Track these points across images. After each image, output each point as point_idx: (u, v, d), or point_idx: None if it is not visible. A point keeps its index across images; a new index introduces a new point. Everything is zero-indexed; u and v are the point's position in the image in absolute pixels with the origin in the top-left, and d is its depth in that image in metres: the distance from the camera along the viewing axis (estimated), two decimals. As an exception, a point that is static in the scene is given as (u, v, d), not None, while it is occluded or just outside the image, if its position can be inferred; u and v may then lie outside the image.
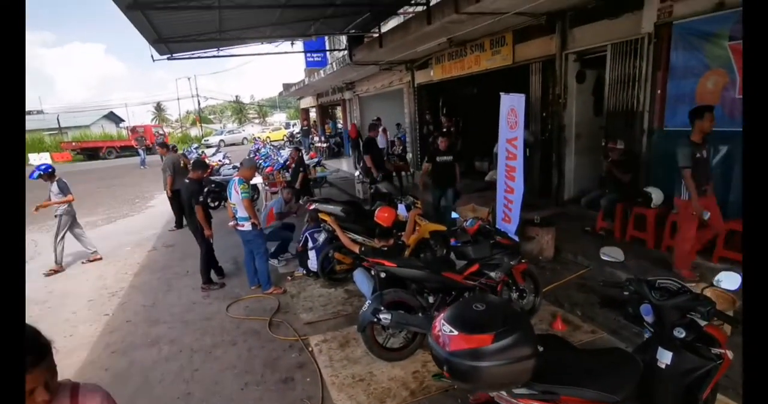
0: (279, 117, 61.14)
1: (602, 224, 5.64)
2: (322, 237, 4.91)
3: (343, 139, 19.28)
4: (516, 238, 5.14)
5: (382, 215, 4.96)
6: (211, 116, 63.59)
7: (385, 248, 4.22)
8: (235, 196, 4.71)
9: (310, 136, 19.64)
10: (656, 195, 5.01)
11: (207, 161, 13.37)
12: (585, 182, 7.11)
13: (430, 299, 3.44)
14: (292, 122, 41.39)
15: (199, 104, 43.08)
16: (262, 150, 17.22)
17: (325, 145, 18.31)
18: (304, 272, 5.46)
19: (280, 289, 5.05)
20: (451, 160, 6.08)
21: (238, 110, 61.53)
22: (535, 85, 7.32)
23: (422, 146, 11.71)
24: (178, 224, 8.77)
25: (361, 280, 4.23)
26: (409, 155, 10.36)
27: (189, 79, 72.73)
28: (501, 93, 5.31)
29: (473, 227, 3.61)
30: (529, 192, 7.76)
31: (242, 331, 4.22)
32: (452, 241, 3.74)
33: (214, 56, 11.61)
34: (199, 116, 44.38)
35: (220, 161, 13.36)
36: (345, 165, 16.13)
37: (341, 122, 23.80)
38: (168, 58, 10.26)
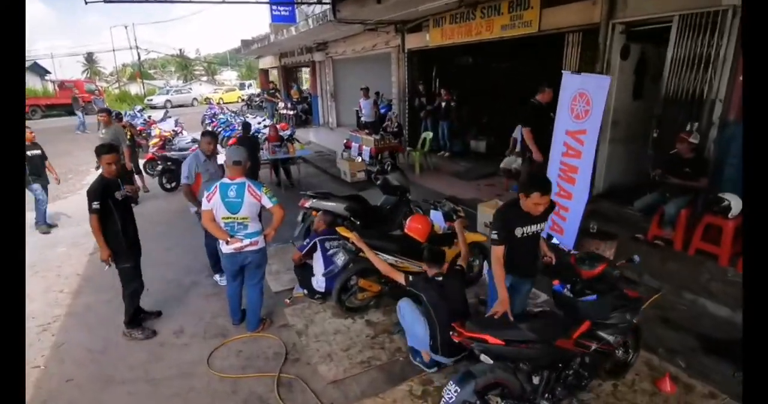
0: (229, 75, 56.38)
1: (658, 232, 4.85)
2: (341, 259, 3.71)
3: (311, 105, 17.49)
4: (574, 252, 4.24)
5: (415, 227, 3.85)
6: (152, 71, 57.36)
7: (440, 277, 3.15)
8: (251, 205, 3.34)
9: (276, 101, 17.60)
10: (735, 203, 4.22)
11: (157, 129, 11.42)
12: (618, 176, 6.30)
13: (534, 380, 2.41)
14: (247, 83, 37.99)
15: (139, 57, 38.39)
16: (221, 116, 15.18)
17: (291, 112, 16.47)
18: (305, 292, 4.28)
19: (269, 322, 3.88)
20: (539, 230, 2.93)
21: (183, 66, 55.91)
22: (571, 59, 6.24)
23: (412, 120, 10.48)
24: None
25: (412, 317, 3.15)
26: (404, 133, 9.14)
27: (126, 27, 64.12)
28: (564, 72, 4.23)
29: (594, 271, 2.58)
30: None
31: (242, 398, 3.04)
32: (555, 284, 2.71)
33: (161, 1, 9.51)
34: (140, 71, 39.69)
35: (173, 130, 11.39)
36: (313, 136, 14.55)
37: (308, 85, 21.76)
38: (104, 1, 8.12)
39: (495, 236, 2.76)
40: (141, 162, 8.70)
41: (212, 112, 17.22)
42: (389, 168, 5.62)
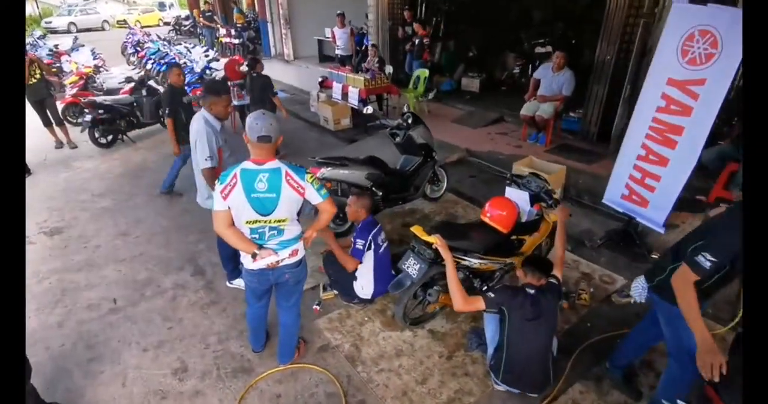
0: (140, -9, 48.02)
1: (723, 194, 4.31)
2: (415, 269, 2.70)
3: (259, 32, 14.97)
4: (662, 230, 3.58)
5: (500, 215, 2.94)
6: (43, -15, 47.34)
7: (532, 290, 2.38)
8: (290, 201, 2.14)
9: (215, 27, 14.77)
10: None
11: (72, 64, 9.00)
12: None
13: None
14: (168, 2, 32.39)
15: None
16: (148, 44, 12.44)
17: (236, 41, 13.96)
18: (335, 293, 3.34)
19: (303, 344, 2.90)
20: None
21: (83, -21, 46.44)
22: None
23: (393, 55, 9.02)
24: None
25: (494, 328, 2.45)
26: (389, 69, 7.72)
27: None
28: (676, 1, 3.18)
29: None
30: (583, 134, 6.15)
31: None
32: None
33: None
34: (29, -15, 32.23)
35: (94, 64, 9.03)
36: (267, 70, 12.45)
37: (246, 7, 18.63)
38: None
39: (707, 265, 1.75)
40: (59, 107, 6.72)
41: (135, 38, 14.20)
42: (411, 121, 4.49)
